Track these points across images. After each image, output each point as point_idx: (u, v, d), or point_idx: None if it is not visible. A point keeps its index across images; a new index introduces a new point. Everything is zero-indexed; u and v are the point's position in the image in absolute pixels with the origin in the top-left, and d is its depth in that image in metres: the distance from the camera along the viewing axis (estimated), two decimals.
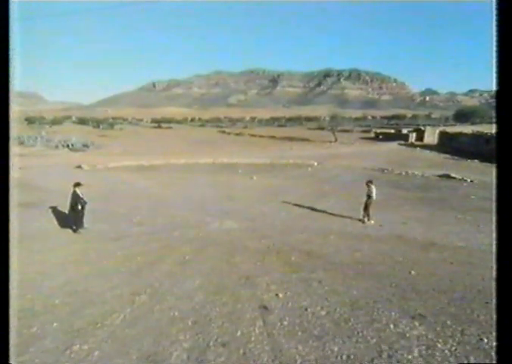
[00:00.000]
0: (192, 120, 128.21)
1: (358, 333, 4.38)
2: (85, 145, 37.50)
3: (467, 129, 39.07)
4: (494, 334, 4.07)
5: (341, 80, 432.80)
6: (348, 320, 4.69)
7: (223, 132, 65.25)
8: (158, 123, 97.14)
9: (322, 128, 63.25)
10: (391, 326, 4.53)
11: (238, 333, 4.43)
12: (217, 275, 6.39)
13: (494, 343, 3.90)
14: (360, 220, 10.56)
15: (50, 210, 10.75)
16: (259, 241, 8.48)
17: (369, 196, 10.54)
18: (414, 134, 43.71)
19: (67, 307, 5.13)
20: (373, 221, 10.37)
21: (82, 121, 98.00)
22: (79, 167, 21.71)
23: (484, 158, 24.45)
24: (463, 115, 71.05)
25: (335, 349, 4.06)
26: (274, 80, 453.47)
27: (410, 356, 3.90)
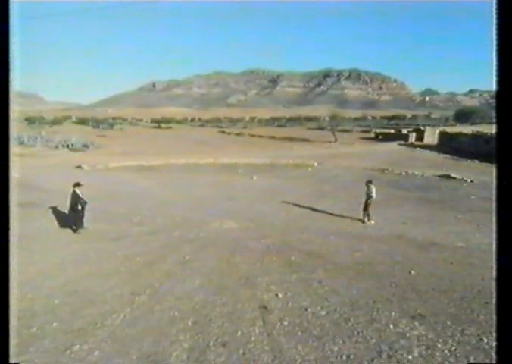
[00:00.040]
0: (192, 120, 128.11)
1: (358, 333, 4.38)
2: (85, 146, 37.48)
3: (467, 129, 39.06)
4: (494, 334, 4.07)
5: (341, 80, 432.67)
6: (348, 320, 4.70)
7: (223, 132, 65.19)
8: (158, 123, 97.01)
9: (322, 128, 63.20)
10: (391, 326, 4.53)
11: (238, 333, 4.43)
12: (217, 275, 6.39)
13: (494, 343, 3.90)
14: (360, 220, 10.56)
15: (50, 210, 10.75)
16: (259, 241, 8.48)
17: (369, 196, 10.54)
18: (414, 134, 43.66)
19: (67, 307, 5.14)
20: (373, 221, 10.37)
21: (82, 121, 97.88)
22: (79, 167, 21.71)
23: (484, 158, 24.42)
24: (463, 115, 71.01)
25: (335, 349, 4.06)
26: (274, 80, 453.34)
27: (410, 356, 3.90)
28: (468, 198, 14.01)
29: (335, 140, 44.32)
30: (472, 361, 3.83)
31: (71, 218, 9.41)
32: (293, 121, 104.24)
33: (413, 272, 6.42)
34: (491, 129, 31.29)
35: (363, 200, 10.66)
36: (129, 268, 6.77)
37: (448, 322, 4.60)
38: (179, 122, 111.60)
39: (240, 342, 4.24)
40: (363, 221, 10.47)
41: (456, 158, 27.98)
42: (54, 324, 4.65)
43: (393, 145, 37.94)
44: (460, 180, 17.95)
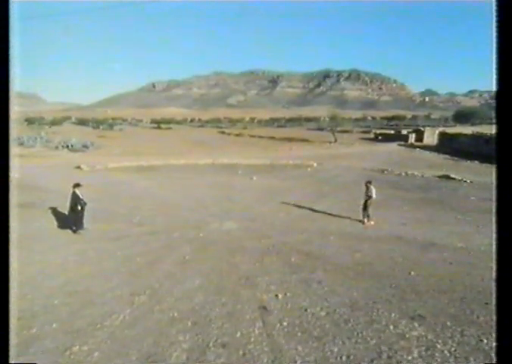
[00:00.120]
0: (192, 120, 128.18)
1: (358, 334, 4.38)
2: (85, 146, 37.49)
3: (467, 129, 39.10)
4: (493, 334, 4.07)
5: (341, 80, 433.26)
6: (348, 321, 4.69)
7: (223, 132, 65.23)
8: (158, 123, 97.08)
9: (321, 129, 63.29)
10: (391, 327, 4.53)
11: (238, 334, 4.43)
12: (217, 275, 6.39)
13: (494, 344, 3.90)
14: (359, 221, 10.55)
15: (50, 210, 10.75)
16: (259, 241, 8.48)
17: (368, 197, 10.53)
18: (414, 135, 43.73)
19: (66, 307, 5.13)
20: (372, 222, 10.37)
21: (81, 122, 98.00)
22: (79, 167, 21.71)
23: (484, 158, 24.45)
24: (463, 116, 71.06)
25: (335, 349, 4.06)
26: (274, 81, 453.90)
27: (409, 357, 3.90)
28: (468, 198, 14.01)
29: (335, 141, 44.35)
30: (471, 362, 3.83)
31: (71, 218, 9.40)
32: (293, 122, 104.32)
33: (413, 273, 6.42)
34: (491, 129, 31.35)
35: (363, 201, 10.65)
36: (129, 268, 6.77)
37: (448, 323, 4.60)
38: (178, 122, 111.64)
39: (240, 343, 4.23)
40: (362, 222, 10.47)
41: (456, 158, 28.00)
42: (54, 324, 4.64)
43: (393, 146, 37.98)
44: (459, 180, 17.95)
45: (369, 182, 10.88)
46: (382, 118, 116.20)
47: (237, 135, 58.34)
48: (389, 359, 3.88)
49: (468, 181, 17.53)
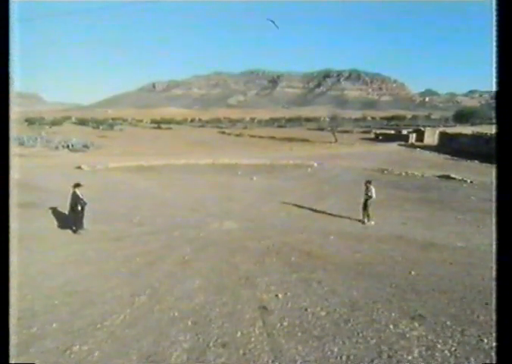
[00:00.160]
0: (192, 120, 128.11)
1: (358, 333, 4.38)
2: (85, 146, 37.46)
3: (467, 130, 39.07)
4: (494, 334, 4.07)
5: (341, 80, 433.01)
6: (348, 320, 4.70)
7: (223, 132, 65.19)
8: (158, 123, 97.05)
9: (322, 129, 63.21)
10: (391, 327, 4.53)
11: (238, 333, 4.43)
12: (217, 275, 6.39)
13: (494, 344, 3.90)
14: (360, 220, 10.56)
15: (50, 210, 10.75)
16: (259, 241, 8.48)
17: (368, 196, 10.53)
18: (414, 135, 43.70)
19: (66, 307, 5.13)
20: (373, 222, 10.37)
21: (82, 122, 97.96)
22: (79, 167, 21.71)
23: (484, 158, 24.43)
24: (463, 116, 70.96)
25: (335, 349, 4.06)
26: (274, 81, 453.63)
27: (410, 357, 3.90)
28: (468, 198, 14.01)
29: (335, 141, 44.33)
30: (472, 362, 3.83)
31: (71, 218, 9.41)
32: (293, 122, 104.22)
33: (413, 272, 6.42)
34: (491, 129, 31.33)
35: (362, 200, 10.66)
36: (129, 268, 6.77)
37: (448, 323, 4.60)
38: (178, 123, 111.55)
39: (240, 342, 4.24)
40: (363, 222, 10.47)
41: (456, 158, 28.00)
42: (54, 324, 4.64)
43: (393, 146, 37.97)
44: (460, 180, 17.95)
45: (369, 182, 10.88)
46: (383, 118, 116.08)
47: (237, 135, 58.31)
48: (389, 358, 3.88)
49: (468, 181, 17.52)
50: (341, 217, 11.18)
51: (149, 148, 37.46)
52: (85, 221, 9.35)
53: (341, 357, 3.92)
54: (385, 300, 5.30)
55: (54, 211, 10.65)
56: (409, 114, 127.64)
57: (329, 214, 11.56)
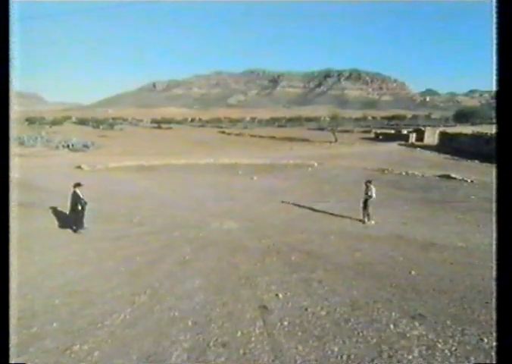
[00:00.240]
0: (192, 120, 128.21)
1: (358, 333, 4.38)
2: (86, 146, 37.50)
3: (467, 129, 39.04)
4: (494, 334, 4.07)
5: (342, 80, 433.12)
6: (348, 320, 4.69)
7: (223, 132, 65.21)
8: (158, 123, 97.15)
9: (322, 128, 63.26)
10: (392, 326, 4.53)
11: (239, 333, 4.43)
12: (217, 275, 6.39)
13: (495, 343, 3.90)
14: (360, 220, 10.55)
15: (50, 210, 10.75)
16: (259, 241, 8.48)
17: (368, 196, 10.53)
18: (414, 135, 43.69)
19: (67, 307, 5.13)
20: (373, 221, 10.37)
21: (82, 122, 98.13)
22: (79, 167, 21.73)
23: (484, 158, 24.42)
24: (464, 116, 70.99)
25: (336, 349, 4.06)
26: (274, 81, 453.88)
27: (410, 356, 3.90)
28: (468, 198, 14.00)
29: (336, 140, 44.32)
30: (472, 361, 3.83)
31: (71, 218, 9.42)
32: (293, 122, 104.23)
33: (413, 272, 6.42)
34: (492, 129, 31.30)
35: (362, 200, 10.66)
36: (129, 268, 6.77)
37: (448, 322, 4.60)
38: (179, 122, 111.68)
39: (240, 342, 4.24)
40: (363, 221, 10.47)
41: (456, 158, 27.98)
42: (54, 324, 4.64)
43: (393, 146, 37.96)
44: (460, 180, 17.94)
45: (369, 181, 10.88)
46: (383, 118, 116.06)
47: (237, 135, 58.34)
48: (390, 358, 3.88)
49: (468, 181, 17.51)
50: (341, 216, 11.18)
51: (149, 148, 37.47)
52: (85, 220, 9.36)
53: (341, 357, 3.92)
54: (386, 300, 5.30)
55: (54, 211, 10.66)
56: (409, 114, 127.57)
57: (330, 213, 11.55)
